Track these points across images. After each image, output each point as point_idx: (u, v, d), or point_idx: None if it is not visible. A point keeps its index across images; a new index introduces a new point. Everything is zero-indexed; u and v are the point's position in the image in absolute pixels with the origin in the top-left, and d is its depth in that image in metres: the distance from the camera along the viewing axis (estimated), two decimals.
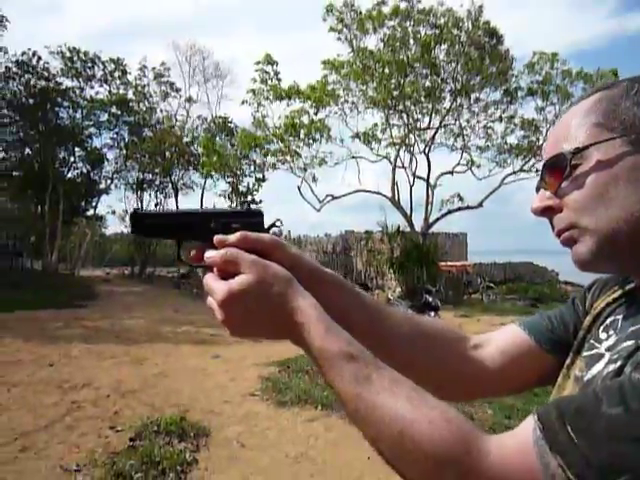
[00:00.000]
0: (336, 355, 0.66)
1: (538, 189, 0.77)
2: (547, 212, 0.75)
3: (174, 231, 0.83)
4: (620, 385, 0.57)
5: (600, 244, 0.69)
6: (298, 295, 0.71)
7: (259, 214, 0.82)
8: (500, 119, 23.06)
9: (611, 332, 0.73)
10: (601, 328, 0.76)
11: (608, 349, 0.71)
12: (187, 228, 0.82)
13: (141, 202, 28.59)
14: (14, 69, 25.15)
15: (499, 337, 0.94)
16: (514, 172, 23.30)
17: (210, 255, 0.74)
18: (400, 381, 0.65)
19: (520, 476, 0.57)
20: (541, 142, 22.85)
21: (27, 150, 28.10)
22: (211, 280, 0.74)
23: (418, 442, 0.60)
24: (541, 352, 0.88)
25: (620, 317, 0.74)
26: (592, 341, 0.76)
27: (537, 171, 23.01)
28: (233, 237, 0.74)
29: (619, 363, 0.65)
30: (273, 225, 0.82)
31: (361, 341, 0.69)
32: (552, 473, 0.55)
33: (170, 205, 29.00)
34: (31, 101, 25.41)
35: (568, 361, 0.80)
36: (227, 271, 0.73)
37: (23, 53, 25.09)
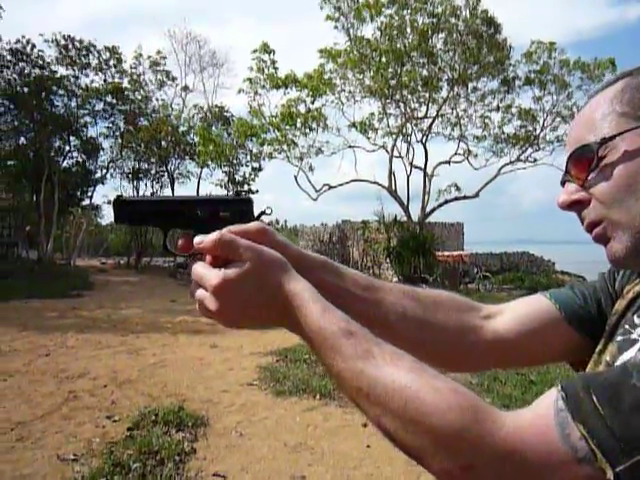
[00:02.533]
0: (335, 333, 0.63)
1: (563, 183, 0.74)
2: (575, 206, 0.72)
3: (159, 219, 0.79)
4: None
5: (634, 239, 0.67)
6: (292, 279, 0.68)
7: (248, 201, 0.78)
8: (497, 108, 23.03)
9: None
10: (637, 313, 0.72)
11: None
12: (173, 216, 0.78)
13: (137, 191, 28.45)
14: (8, 57, 24.94)
15: (518, 307, 0.90)
16: (511, 162, 23.30)
17: (201, 240, 0.70)
18: (402, 354, 0.63)
19: (538, 448, 0.54)
20: (538, 132, 22.85)
21: (22, 139, 27.93)
22: (202, 268, 0.70)
23: (424, 412, 0.57)
24: (568, 327, 0.84)
25: None
26: (626, 326, 0.73)
27: (535, 161, 23.17)
28: (214, 235, 0.69)
29: None
30: (263, 213, 0.78)
31: (358, 321, 0.66)
32: (573, 445, 0.52)
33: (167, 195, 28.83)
34: (26, 90, 25.21)
35: (600, 347, 0.77)
36: (219, 258, 0.69)
37: (17, 41, 24.86)
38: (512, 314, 0.88)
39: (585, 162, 0.70)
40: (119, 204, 0.78)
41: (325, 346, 0.64)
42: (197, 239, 0.70)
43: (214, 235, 0.69)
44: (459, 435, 0.55)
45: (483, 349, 0.87)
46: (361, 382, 0.61)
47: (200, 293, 0.70)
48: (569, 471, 0.52)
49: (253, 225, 0.73)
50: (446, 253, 21.83)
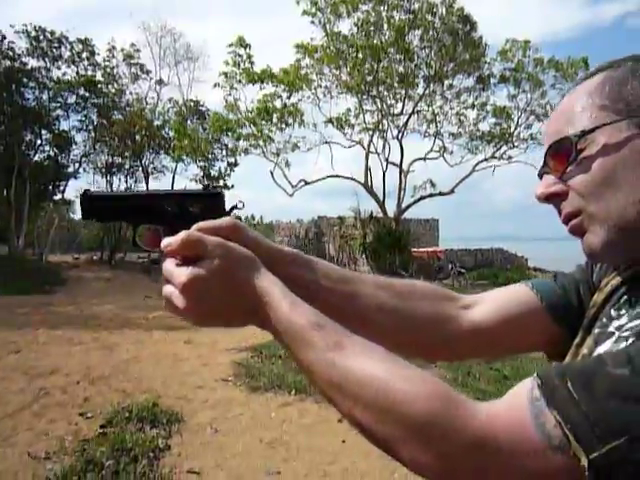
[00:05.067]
0: (304, 327, 0.63)
1: (541, 175, 0.75)
2: (553, 198, 0.72)
3: (128, 214, 0.77)
4: (626, 349, 0.56)
5: (610, 233, 0.67)
6: (261, 276, 0.68)
7: (218, 195, 0.76)
8: (472, 106, 23.27)
9: (623, 311, 0.71)
10: (614, 307, 0.73)
11: (618, 328, 0.68)
12: (142, 211, 0.76)
13: (111, 186, 28.04)
14: None
15: (498, 295, 0.90)
16: (485, 159, 23.55)
17: (168, 242, 0.69)
18: (372, 345, 0.63)
19: (512, 437, 0.53)
20: (513, 129, 23.11)
21: None
22: (172, 265, 0.69)
23: (395, 401, 0.56)
24: (547, 317, 0.84)
25: (633, 297, 0.71)
26: (604, 319, 0.73)
27: (509, 158, 23.46)
28: (181, 235, 0.68)
29: (630, 340, 0.63)
30: (234, 207, 0.77)
31: (333, 316, 0.66)
32: (547, 432, 0.52)
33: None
34: None
35: (578, 339, 0.77)
36: (188, 257, 0.68)
37: None
38: (491, 303, 0.88)
39: (564, 155, 0.70)
40: (86, 199, 0.76)
41: (295, 340, 0.64)
42: (164, 242, 0.69)
43: (180, 235, 0.68)
44: (430, 423, 0.55)
45: (461, 338, 0.86)
46: (332, 374, 0.61)
47: (168, 290, 0.69)
48: (543, 460, 0.52)
49: (224, 221, 0.72)
50: (421, 249, 22.01)
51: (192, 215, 0.73)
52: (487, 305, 0.88)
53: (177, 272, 0.68)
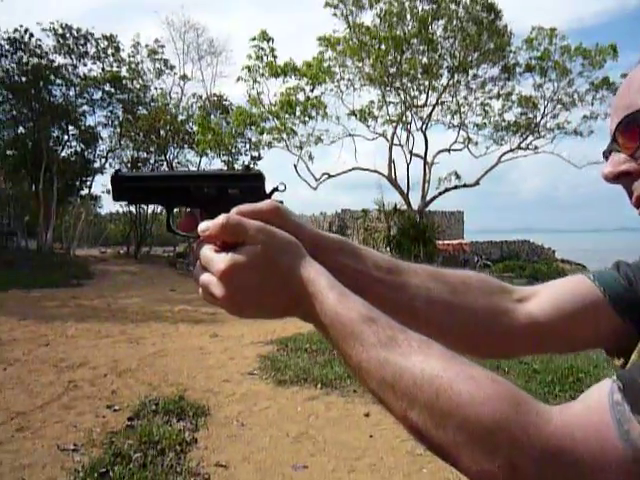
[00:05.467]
0: (354, 320, 0.58)
1: (607, 154, 0.68)
2: (623, 178, 0.66)
3: (162, 196, 0.73)
4: None
5: None
6: (306, 264, 0.63)
7: (259, 177, 0.71)
8: (498, 96, 22.93)
9: None
10: None
11: None
12: (177, 193, 0.71)
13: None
14: (6, 47, 24.73)
15: (556, 288, 0.83)
16: (511, 150, 23.21)
17: (205, 227, 0.64)
18: (430, 341, 0.57)
19: (591, 446, 0.48)
20: (539, 119, 22.74)
21: (20, 129, 27.76)
22: (210, 251, 0.64)
23: (458, 403, 0.51)
24: (611, 311, 0.77)
25: None
26: None
27: (535, 148, 23.09)
28: (220, 219, 0.63)
29: None
30: (275, 190, 0.71)
31: (381, 309, 0.61)
32: (633, 442, 0.46)
33: None
34: (24, 79, 25.01)
35: None
36: (227, 242, 0.64)
37: (15, 30, 24.63)
38: (549, 296, 0.81)
39: (636, 130, 0.64)
40: (118, 180, 0.71)
41: (343, 335, 0.59)
42: (202, 226, 0.65)
43: (219, 219, 0.63)
44: (498, 429, 0.49)
45: (517, 334, 0.80)
46: (385, 372, 0.55)
47: (205, 278, 0.64)
48: (626, 471, 0.47)
49: (265, 204, 0.67)
50: (446, 242, 21.82)
51: (231, 198, 0.68)
52: (544, 298, 0.81)
53: (216, 258, 0.63)
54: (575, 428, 0.49)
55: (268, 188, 0.71)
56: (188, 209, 0.72)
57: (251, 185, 0.71)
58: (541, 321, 0.79)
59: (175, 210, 0.74)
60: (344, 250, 0.74)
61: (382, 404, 0.58)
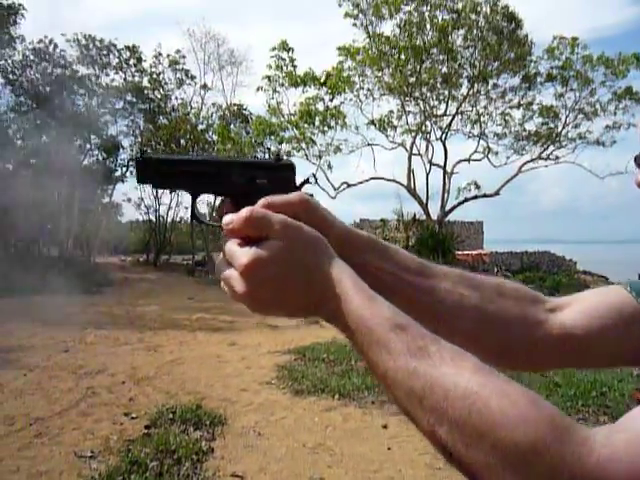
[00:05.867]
0: (382, 326, 0.55)
1: (639, 160, 0.65)
2: None
3: (188, 182, 0.69)
4: None
5: None
6: (333, 262, 0.60)
7: (290, 167, 0.69)
8: (518, 105, 22.76)
9: None
10: None
11: None
12: (204, 179, 0.68)
13: (156, 192, 28.61)
14: (31, 57, 25.24)
15: (591, 298, 0.79)
16: (532, 159, 23.01)
17: (230, 220, 0.62)
18: (463, 353, 0.53)
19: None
20: (560, 129, 22.53)
21: (44, 137, 28.23)
22: (233, 244, 0.62)
23: (493, 422, 0.47)
24: None
25: None
26: None
27: (557, 158, 22.86)
28: (244, 212, 0.61)
29: None
30: (306, 181, 0.69)
31: (407, 310, 0.58)
32: None
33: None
34: (48, 89, 25.48)
35: None
36: (251, 237, 0.61)
37: (40, 41, 25.15)
38: (582, 307, 0.77)
39: None
40: (143, 162, 0.68)
41: (370, 340, 0.55)
42: (226, 219, 0.62)
43: (243, 212, 0.61)
44: (535, 454, 0.45)
45: (548, 346, 0.76)
46: (414, 384, 0.52)
47: (227, 272, 0.62)
48: None
49: (294, 196, 0.64)
50: (465, 252, 21.63)
51: (259, 188, 0.66)
52: (578, 309, 0.77)
53: (239, 252, 0.60)
54: (622, 459, 0.45)
55: (298, 180, 0.69)
56: (222, 198, 0.70)
57: (281, 176, 0.68)
58: (575, 333, 0.75)
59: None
60: (373, 249, 0.71)
61: (407, 416, 0.54)
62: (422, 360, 0.52)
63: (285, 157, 0.70)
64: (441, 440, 0.50)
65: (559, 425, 0.47)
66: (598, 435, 0.47)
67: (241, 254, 0.60)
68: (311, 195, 0.65)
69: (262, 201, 0.63)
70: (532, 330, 0.75)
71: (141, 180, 0.69)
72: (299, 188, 0.68)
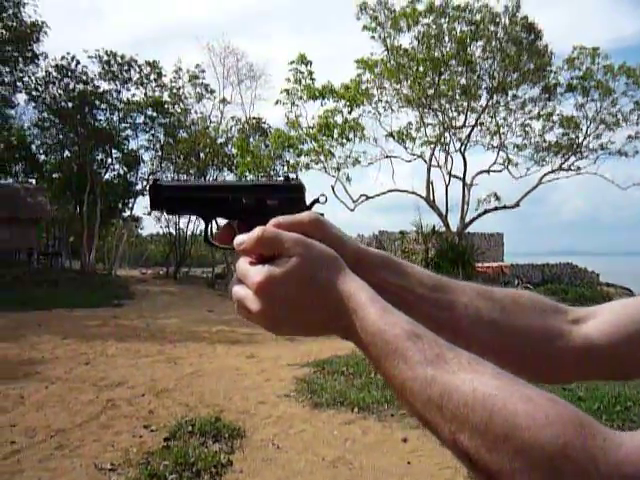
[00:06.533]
0: (398, 336, 0.54)
1: None
2: None
3: (200, 206, 0.71)
4: None
5: None
6: (347, 278, 0.59)
7: (299, 188, 0.70)
8: (538, 116, 22.62)
9: None
10: None
11: None
12: (216, 203, 0.70)
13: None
14: (54, 73, 25.78)
15: (615, 308, 0.76)
16: (552, 170, 22.80)
17: (241, 240, 0.62)
18: (480, 359, 0.52)
19: None
20: (581, 139, 22.31)
21: (66, 152, 28.75)
22: (246, 264, 0.62)
23: (516, 426, 0.46)
24: None
25: None
26: None
27: (578, 169, 22.63)
28: (256, 232, 0.61)
29: None
30: (316, 201, 0.69)
31: (424, 326, 0.57)
32: None
33: None
34: (70, 104, 25.97)
35: None
36: (264, 256, 0.61)
37: (62, 57, 25.70)
38: (607, 317, 0.75)
39: None
40: (156, 189, 0.70)
41: (386, 352, 0.54)
42: (238, 239, 0.62)
43: (255, 232, 0.61)
44: (562, 455, 0.44)
45: (571, 358, 0.73)
46: (432, 392, 0.50)
47: (240, 291, 0.61)
48: None
49: (305, 215, 0.64)
50: (486, 264, 21.44)
51: (270, 209, 0.67)
52: (603, 319, 0.74)
53: (252, 271, 0.60)
54: None
55: (308, 200, 0.69)
56: (226, 221, 0.71)
57: (291, 196, 0.69)
58: (599, 344, 0.72)
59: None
60: (388, 266, 0.70)
61: (427, 427, 0.53)
62: (439, 367, 0.51)
63: (295, 177, 0.71)
64: (463, 447, 0.49)
65: (583, 424, 0.46)
66: (625, 432, 0.46)
67: (254, 273, 0.60)
68: (322, 214, 0.66)
69: (273, 221, 0.63)
70: (554, 342, 0.73)
71: (154, 206, 0.71)
72: (309, 208, 0.68)
